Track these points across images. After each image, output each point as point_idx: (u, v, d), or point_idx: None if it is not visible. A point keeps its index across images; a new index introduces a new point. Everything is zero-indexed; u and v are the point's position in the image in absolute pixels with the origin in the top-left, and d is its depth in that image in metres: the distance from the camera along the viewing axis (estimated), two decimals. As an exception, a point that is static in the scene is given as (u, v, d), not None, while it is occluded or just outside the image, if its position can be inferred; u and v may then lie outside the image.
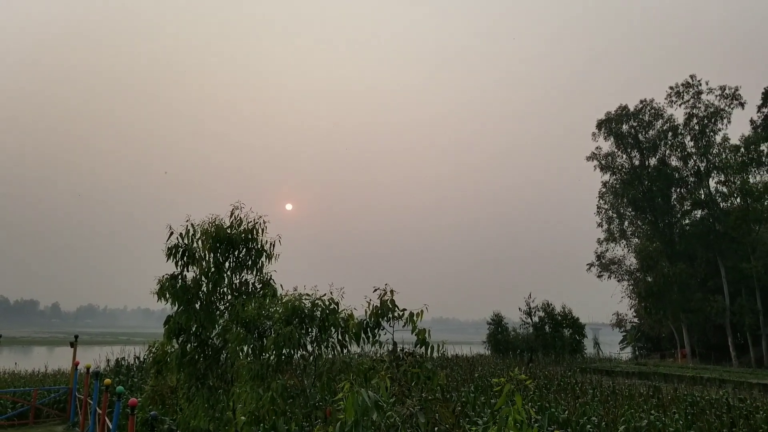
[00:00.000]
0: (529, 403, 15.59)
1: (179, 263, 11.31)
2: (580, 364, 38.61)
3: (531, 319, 45.57)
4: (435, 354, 8.54)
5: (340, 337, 9.69)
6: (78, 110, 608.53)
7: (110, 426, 13.31)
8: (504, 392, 6.14)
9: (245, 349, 9.64)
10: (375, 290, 9.11)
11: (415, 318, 8.58)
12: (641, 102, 59.31)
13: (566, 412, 15.43)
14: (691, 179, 57.49)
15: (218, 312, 11.24)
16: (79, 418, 18.35)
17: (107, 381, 14.77)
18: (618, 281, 61.03)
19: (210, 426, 10.21)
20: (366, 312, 9.09)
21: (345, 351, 9.71)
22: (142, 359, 26.94)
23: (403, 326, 8.88)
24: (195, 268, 11.39)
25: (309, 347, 9.78)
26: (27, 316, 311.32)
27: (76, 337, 22.15)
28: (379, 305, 8.96)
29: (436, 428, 5.28)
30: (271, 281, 11.76)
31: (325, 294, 9.90)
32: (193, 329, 10.86)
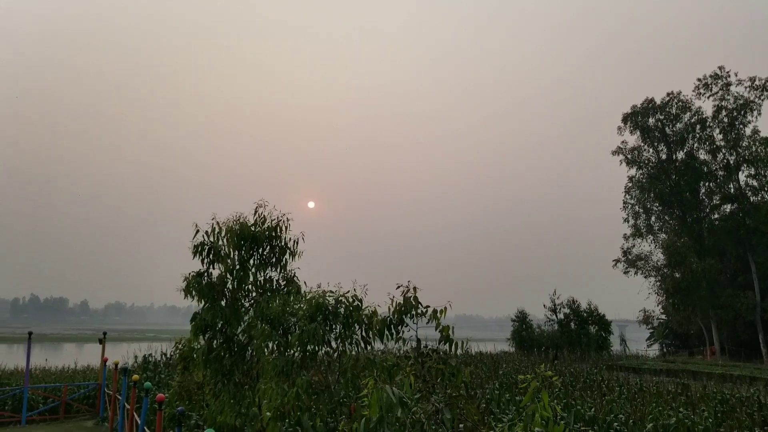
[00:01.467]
0: (555, 401, 15.47)
1: (205, 261, 11.44)
2: (606, 362, 38.14)
3: (556, 316, 45.20)
4: (459, 351, 8.51)
5: (364, 333, 9.71)
6: (102, 111, 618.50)
7: (138, 421, 13.53)
8: (530, 389, 6.10)
9: (270, 345, 9.70)
10: (398, 287, 9.12)
11: (438, 315, 8.57)
12: (668, 95, 58.31)
13: (593, 409, 15.26)
14: (720, 173, 56.34)
15: (243, 309, 11.34)
16: (109, 414, 18.70)
17: (135, 377, 15.01)
18: (645, 277, 60.09)
19: (236, 422, 10.30)
20: (389, 309, 9.09)
21: (369, 348, 9.72)
22: (168, 356, 27.34)
23: (427, 323, 8.87)
24: (220, 265, 11.51)
25: (333, 344, 9.82)
26: (57, 313, 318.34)
27: (105, 334, 22.53)
28: (402, 302, 8.97)
29: (461, 425, 5.25)
30: (295, 278, 11.83)
31: (348, 291, 9.93)
32: (219, 326, 10.97)
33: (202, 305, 11.10)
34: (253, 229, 11.38)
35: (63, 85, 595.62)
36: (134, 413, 14.57)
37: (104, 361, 20.96)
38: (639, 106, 58.98)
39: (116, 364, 19.21)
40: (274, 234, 11.56)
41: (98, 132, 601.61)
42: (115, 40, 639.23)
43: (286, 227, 11.70)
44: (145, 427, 13.05)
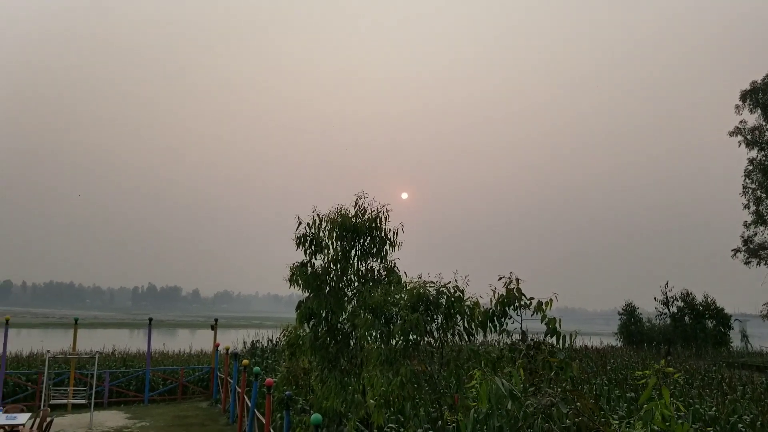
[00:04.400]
0: (671, 398, 14.58)
1: (307, 251, 11.77)
2: (725, 359, 35.56)
3: (668, 309, 42.70)
4: (567, 344, 8.18)
5: (466, 325, 9.57)
6: (210, 107, 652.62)
7: (249, 404, 14.17)
8: (649, 385, 5.73)
9: (374, 334, 9.80)
10: (500, 278, 8.89)
11: (544, 307, 8.28)
12: (794, 69, 53.07)
13: (713, 409, 14.23)
14: None
15: (346, 298, 11.55)
16: (221, 396, 19.75)
17: (245, 362, 15.73)
18: (771, 268, 55.22)
19: (342, 407, 10.51)
20: (491, 300, 8.90)
21: (472, 339, 9.59)
22: (275, 342, 28.46)
23: (532, 315, 8.59)
24: (322, 256, 11.81)
25: (435, 334, 9.76)
26: (172, 301, 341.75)
27: (216, 320, 23.78)
28: (505, 293, 8.74)
29: (577, 419, 5.01)
30: (396, 268, 11.88)
31: (449, 282, 9.82)
32: (323, 314, 11.23)
33: (306, 294, 11.42)
34: (353, 220, 11.56)
35: (165, 81, 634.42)
36: (245, 396, 15.28)
37: (216, 346, 22.16)
38: (759, 82, 54.08)
39: (227, 350, 20.24)
40: (374, 225, 11.68)
41: (211, 130, 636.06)
42: (217, 40, 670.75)
43: (385, 218, 11.80)
44: (255, 410, 13.65)
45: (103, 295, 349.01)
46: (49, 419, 13.83)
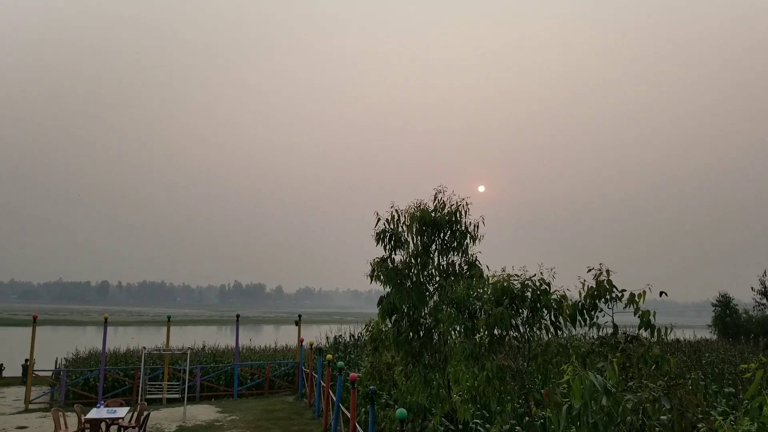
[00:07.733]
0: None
1: (387, 247, 11.85)
2: (834, 353, 32.94)
3: (767, 300, 40.03)
4: (663, 337, 7.82)
5: (553, 318, 9.34)
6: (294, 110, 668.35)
7: (334, 398, 14.44)
8: (756, 379, 5.38)
9: (457, 328, 9.74)
10: (589, 270, 8.62)
11: (637, 299, 7.96)
12: None
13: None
14: None
15: (428, 293, 11.54)
16: (306, 390, 20.24)
17: (329, 356, 16.03)
18: None
19: (426, 402, 10.52)
20: (580, 293, 8.63)
21: (559, 333, 9.34)
22: (356, 337, 28.87)
23: (624, 308, 8.27)
24: (402, 251, 11.86)
25: (520, 328, 9.58)
26: (257, 297, 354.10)
27: (300, 316, 24.38)
28: (595, 286, 8.46)
29: (680, 414, 4.77)
30: (477, 262, 11.76)
31: (534, 274, 9.61)
32: (405, 309, 11.27)
33: (387, 289, 11.50)
34: (433, 214, 11.53)
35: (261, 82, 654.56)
36: (329, 391, 15.58)
37: (300, 341, 22.72)
38: None
39: (311, 345, 20.70)
40: (454, 219, 11.62)
41: (287, 134, 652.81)
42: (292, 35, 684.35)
43: (465, 212, 11.70)
44: (340, 404, 13.88)
45: (192, 293, 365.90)
46: (146, 413, 14.64)
